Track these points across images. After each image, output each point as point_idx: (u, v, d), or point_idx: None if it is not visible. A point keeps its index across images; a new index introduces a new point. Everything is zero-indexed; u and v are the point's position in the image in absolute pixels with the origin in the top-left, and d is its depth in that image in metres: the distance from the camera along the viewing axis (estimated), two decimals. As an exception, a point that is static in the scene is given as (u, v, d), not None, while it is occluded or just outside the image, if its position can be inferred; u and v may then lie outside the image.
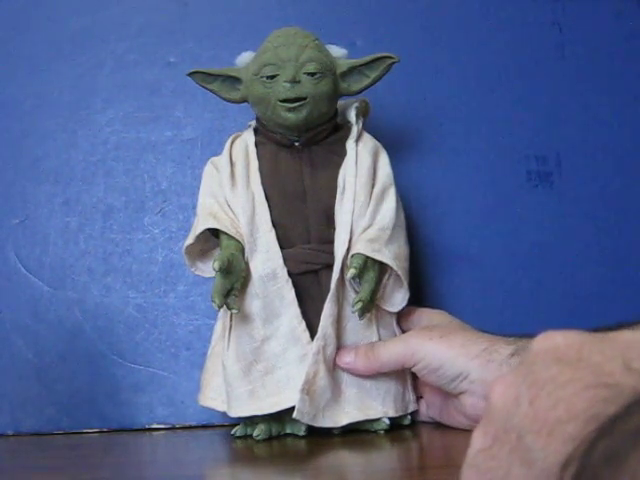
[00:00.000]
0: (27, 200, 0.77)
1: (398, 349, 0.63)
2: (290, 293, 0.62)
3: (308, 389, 0.61)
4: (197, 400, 0.67)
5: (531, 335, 0.61)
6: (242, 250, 0.63)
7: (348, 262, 0.62)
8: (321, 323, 0.62)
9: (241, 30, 0.79)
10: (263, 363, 0.63)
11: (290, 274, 0.63)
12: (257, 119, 0.67)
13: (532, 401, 0.30)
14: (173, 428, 0.74)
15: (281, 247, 0.63)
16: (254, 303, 0.63)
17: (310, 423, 0.62)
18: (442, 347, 0.62)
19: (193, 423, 0.74)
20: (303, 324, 0.62)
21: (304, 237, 0.64)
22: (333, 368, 0.63)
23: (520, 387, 0.32)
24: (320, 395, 0.62)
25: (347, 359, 0.63)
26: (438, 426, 0.66)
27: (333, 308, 0.62)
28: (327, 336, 0.62)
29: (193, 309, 0.76)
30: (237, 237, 0.62)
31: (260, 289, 0.62)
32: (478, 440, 0.33)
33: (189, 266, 0.66)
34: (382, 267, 0.63)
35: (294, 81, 0.62)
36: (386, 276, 0.64)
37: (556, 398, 0.30)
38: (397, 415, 0.65)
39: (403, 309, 0.66)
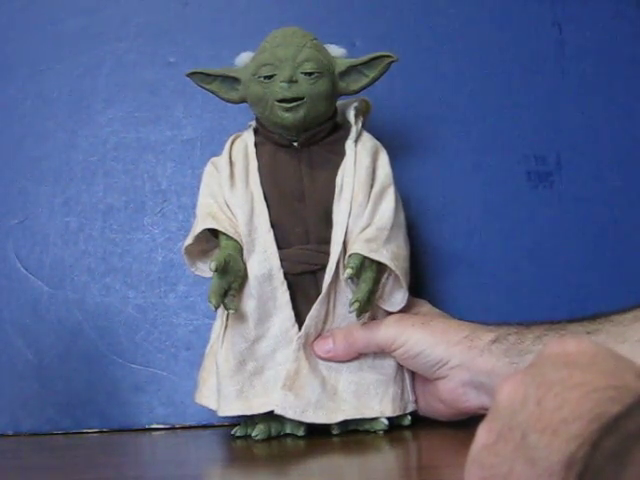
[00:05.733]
0: (27, 200, 0.77)
1: (379, 334, 0.63)
2: (284, 295, 0.62)
3: (290, 385, 0.61)
4: (193, 398, 0.67)
5: (510, 323, 0.62)
6: (240, 250, 0.63)
7: (345, 262, 0.62)
8: (305, 322, 0.62)
9: (241, 30, 0.79)
10: (253, 363, 0.63)
11: (288, 275, 0.63)
12: (256, 119, 0.67)
13: (539, 401, 0.31)
14: (173, 428, 0.74)
15: (279, 247, 0.63)
16: (249, 303, 0.63)
17: (298, 418, 0.62)
18: (424, 334, 0.62)
19: (193, 423, 0.74)
20: (296, 327, 0.63)
21: (302, 237, 0.64)
22: (328, 367, 0.63)
23: (528, 387, 0.32)
24: (308, 391, 0.62)
25: (327, 347, 0.63)
26: (438, 427, 0.66)
27: (321, 310, 0.63)
28: (310, 335, 0.63)
29: (193, 309, 0.76)
30: (235, 237, 0.62)
31: (255, 289, 0.62)
32: (483, 436, 0.33)
33: (189, 266, 0.66)
34: (381, 267, 0.63)
35: (291, 81, 0.62)
36: (385, 276, 0.63)
37: (563, 399, 0.30)
38: (395, 415, 0.65)
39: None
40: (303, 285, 0.63)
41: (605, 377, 0.30)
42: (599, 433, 0.28)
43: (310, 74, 0.62)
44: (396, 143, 0.76)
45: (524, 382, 0.33)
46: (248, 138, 0.66)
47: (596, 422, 0.28)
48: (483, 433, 0.34)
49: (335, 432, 0.64)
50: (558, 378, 0.31)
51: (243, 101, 0.66)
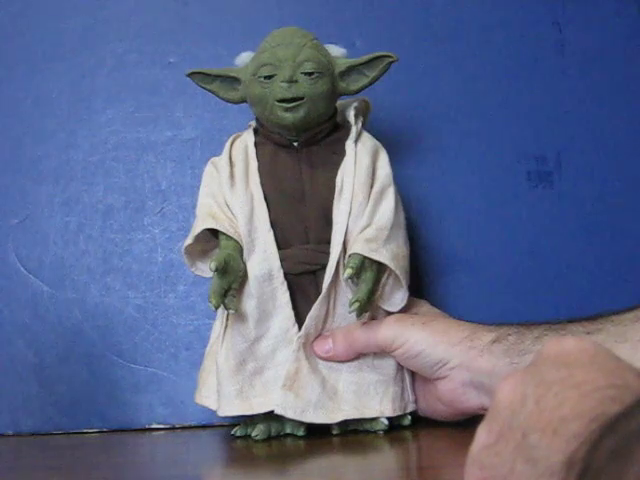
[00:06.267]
0: (27, 200, 0.77)
1: (379, 334, 0.63)
2: (284, 295, 0.62)
3: (290, 385, 0.61)
4: (194, 398, 0.67)
5: (510, 323, 0.62)
6: (240, 250, 0.63)
7: (345, 262, 0.62)
8: (305, 322, 0.62)
9: (241, 30, 0.79)
10: (253, 363, 0.63)
11: (288, 275, 0.63)
12: (256, 119, 0.67)
13: (538, 400, 0.31)
14: (173, 428, 0.74)
15: (279, 247, 0.63)
16: (249, 303, 0.63)
17: (298, 418, 0.62)
18: (424, 333, 0.62)
19: (193, 423, 0.74)
20: (296, 327, 0.63)
21: (302, 237, 0.64)
22: (328, 367, 0.63)
23: (528, 386, 0.32)
24: (307, 391, 0.62)
25: (326, 347, 0.63)
26: (438, 427, 0.66)
27: (322, 309, 0.63)
28: (310, 335, 0.63)
29: (193, 309, 0.76)
30: (235, 237, 0.62)
31: (255, 289, 0.62)
32: (482, 436, 0.33)
33: (189, 266, 0.66)
34: (381, 267, 0.63)
35: (291, 81, 0.61)
36: (385, 276, 0.63)
37: (563, 398, 0.30)
38: (395, 415, 0.65)
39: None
40: (303, 285, 0.63)
41: (605, 376, 0.30)
42: (600, 432, 0.28)
43: (310, 74, 0.62)
44: (396, 143, 0.76)
45: (523, 381, 0.33)
46: (248, 138, 0.66)
47: (596, 421, 0.28)
48: (483, 433, 0.34)
49: (335, 432, 0.64)
50: (558, 377, 0.31)
51: (243, 101, 0.66)
